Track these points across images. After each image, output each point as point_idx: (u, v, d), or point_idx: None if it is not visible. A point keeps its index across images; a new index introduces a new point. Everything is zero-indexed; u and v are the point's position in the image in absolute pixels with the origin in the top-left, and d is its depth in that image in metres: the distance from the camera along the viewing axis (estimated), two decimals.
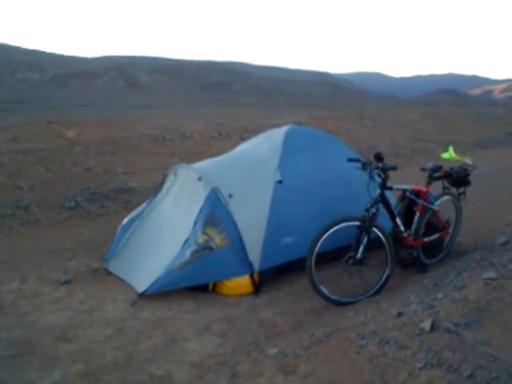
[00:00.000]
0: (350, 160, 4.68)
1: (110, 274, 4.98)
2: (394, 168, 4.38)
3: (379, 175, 4.41)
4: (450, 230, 5.24)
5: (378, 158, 4.40)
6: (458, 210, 5.32)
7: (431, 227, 4.94)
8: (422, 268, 4.87)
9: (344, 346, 3.19)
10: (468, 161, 5.24)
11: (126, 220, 5.38)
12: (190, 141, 12.01)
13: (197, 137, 12.34)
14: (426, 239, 4.86)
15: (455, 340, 2.89)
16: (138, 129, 12.11)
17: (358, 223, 4.25)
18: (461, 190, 5.20)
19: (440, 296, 3.43)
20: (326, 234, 4.15)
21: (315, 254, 4.14)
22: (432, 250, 5.05)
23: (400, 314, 3.34)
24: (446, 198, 5.12)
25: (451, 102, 40.40)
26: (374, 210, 4.28)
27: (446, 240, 5.28)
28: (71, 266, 5.22)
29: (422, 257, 4.88)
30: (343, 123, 17.15)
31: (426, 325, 3.06)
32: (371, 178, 4.38)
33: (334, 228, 4.17)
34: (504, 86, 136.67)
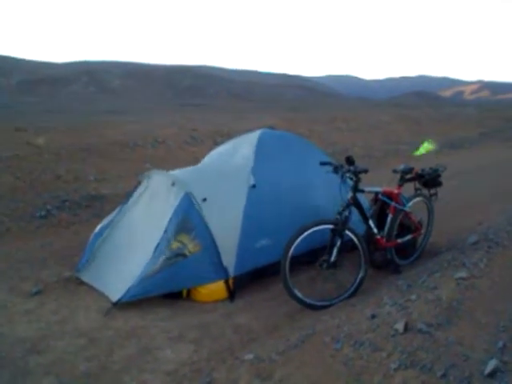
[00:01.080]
0: (322, 163, 4.70)
1: (82, 283, 4.87)
2: (365, 171, 4.42)
3: (351, 178, 4.44)
4: (423, 231, 5.31)
5: (349, 161, 4.43)
6: (430, 211, 5.40)
7: (404, 228, 5.00)
8: (396, 269, 4.92)
9: (319, 350, 3.20)
10: (432, 146, 5.35)
11: (98, 227, 5.30)
12: (162, 146, 11.90)
13: (170, 142, 12.24)
14: (399, 240, 4.91)
15: (428, 340, 2.92)
16: (110, 135, 11.92)
17: (331, 226, 4.27)
18: (432, 191, 5.27)
19: (413, 297, 3.47)
20: (300, 238, 4.15)
21: (289, 257, 4.14)
22: (405, 251, 5.11)
23: (374, 316, 3.37)
24: (417, 199, 5.19)
25: (423, 103, 41.06)
26: (346, 213, 4.30)
27: (419, 241, 5.34)
28: (42, 276, 5.09)
29: (396, 258, 4.93)
30: (315, 126, 17.26)
31: (400, 326, 3.09)
32: (343, 181, 4.40)
33: (308, 232, 4.18)
34: (474, 86, 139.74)
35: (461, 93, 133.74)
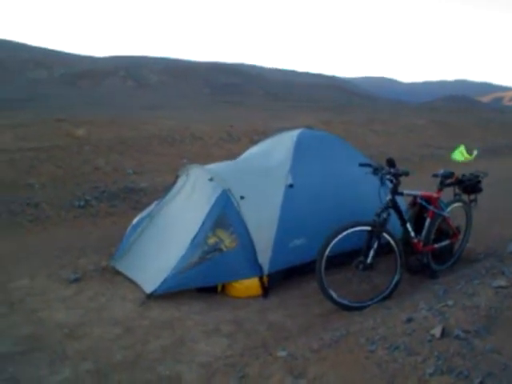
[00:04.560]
0: (361, 165, 4.68)
1: (118, 272, 5.00)
2: (406, 174, 4.37)
3: (391, 181, 4.41)
4: (460, 237, 5.23)
5: (390, 163, 4.40)
6: (469, 217, 5.31)
7: (441, 233, 4.93)
8: (433, 274, 4.86)
9: (353, 351, 3.19)
10: (474, 153, 5.24)
11: (135, 220, 5.42)
12: (199, 142, 12.03)
13: (206, 138, 12.36)
14: (436, 245, 4.85)
15: (465, 347, 2.88)
16: (148, 129, 12.12)
17: (368, 228, 4.25)
18: (472, 196, 5.18)
19: (450, 303, 3.42)
20: (337, 238, 4.14)
21: (325, 257, 4.13)
22: (442, 256, 5.03)
23: (410, 320, 3.33)
24: (456, 204, 5.11)
25: (460, 108, 40.21)
26: (384, 216, 4.27)
27: (456, 246, 5.26)
28: (80, 264, 5.25)
29: (432, 263, 4.87)
30: (352, 127, 17.13)
31: (437, 331, 3.06)
32: (382, 183, 4.37)
33: (345, 232, 4.17)
34: None
35: (500, 99, 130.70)
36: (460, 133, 19.94)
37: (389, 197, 4.38)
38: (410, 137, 17.48)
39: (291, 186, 4.94)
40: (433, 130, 19.70)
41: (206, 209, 4.64)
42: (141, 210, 6.20)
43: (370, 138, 16.26)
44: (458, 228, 5.11)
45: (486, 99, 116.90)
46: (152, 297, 4.35)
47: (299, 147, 5.30)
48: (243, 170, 5.24)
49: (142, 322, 4.05)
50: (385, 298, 4.32)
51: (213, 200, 4.66)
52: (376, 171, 4.46)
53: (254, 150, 5.92)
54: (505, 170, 12.00)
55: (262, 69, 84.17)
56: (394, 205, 4.42)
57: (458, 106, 44.64)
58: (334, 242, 4.14)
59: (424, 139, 17.32)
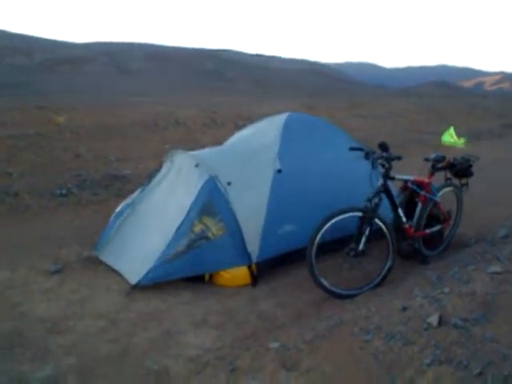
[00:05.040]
0: (352, 149, 4.55)
1: (101, 262, 4.82)
2: (399, 158, 4.25)
3: (383, 165, 4.28)
4: (451, 222, 5.15)
5: (383, 147, 4.28)
6: (460, 202, 5.23)
7: (433, 219, 4.84)
8: (424, 260, 4.78)
9: (348, 341, 3.09)
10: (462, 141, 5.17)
11: (119, 207, 5.24)
12: (183, 128, 11.80)
13: (190, 124, 12.13)
14: (428, 231, 4.77)
15: (464, 336, 2.79)
16: (130, 115, 11.84)
17: (359, 214, 4.13)
18: (463, 181, 5.10)
19: (446, 290, 3.33)
20: (328, 225, 4.03)
21: (316, 245, 4.02)
22: (433, 241, 4.95)
23: (405, 308, 3.24)
24: (448, 189, 5.02)
25: (443, 93, 40.38)
26: (376, 201, 4.16)
27: (447, 232, 5.18)
28: (62, 255, 5.05)
29: (423, 248, 4.79)
30: (336, 112, 17.02)
31: (433, 319, 2.96)
32: (374, 167, 4.26)
33: (336, 218, 4.05)
34: (496, 77, 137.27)
35: (481, 84, 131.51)
36: (446, 118, 19.96)
37: (380, 181, 4.27)
38: (396, 121, 17.43)
39: (279, 171, 4.80)
40: (419, 115, 19.70)
41: (191, 196, 4.48)
42: (124, 197, 6.03)
43: (354, 122, 16.14)
44: (449, 213, 5.03)
45: (467, 84, 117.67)
46: (137, 287, 4.18)
47: (287, 131, 5.15)
48: (230, 155, 5.08)
49: (127, 314, 3.90)
50: (377, 285, 4.23)
51: (199, 187, 4.50)
52: (367, 155, 4.33)
53: (240, 134, 5.76)
54: (491, 154, 11.97)
55: (245, 55, 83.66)
56: (385, 189, 4.31)
57: (442, 92, 44.83)
58: (324, 228, 4.03)
59: (411, 124, 17.28)
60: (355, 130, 14.85)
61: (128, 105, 13.78)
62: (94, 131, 10.18)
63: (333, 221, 4.04)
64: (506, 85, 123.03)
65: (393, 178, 4.44)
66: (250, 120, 12.52)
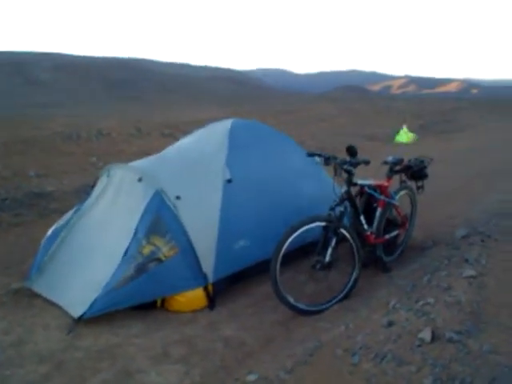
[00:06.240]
0: (310, 155, 4.28)
1: (35, 295, 4.20)
2: (367, 162, 4.00)
3: (348, 171, 4.03)
4: (407, 226, 5.04)
5: (351, 151, 4.04)
6: (414, 204, 5.13)
7: (390, 223, 4.69)
8: (385, 267, 4.61)
9: (334, 366, 2.80)
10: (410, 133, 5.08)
11: (50, 230, 4.62)
12: (107, 139, 11.06)
13: (114, 135, 11.42)
14: (387, 236, 4.61)
15: (461, 350, 2.59)
16: (48, 127, 10.95)
17: (324, 224, 3.87)
18: (419, 183, 5.00)
19: (431, 301, 3.13)
20: (292, 237, 3.73)
21: (280, 259, 3.71)
22: (390, 246, 4.80)
23: (391, 324, 3.00)
24: (403, 191, 4.90)
25: (356, 97, 41.63)
26: (341, 209, 3.92)
27: (402, 235, 5.05)
28: None
29: (383, 255, 4.62)
30: (259, 118, 16.83)
31: (426, 335, 2.74)
32: (338, 173, 4.01)
33: (301, 230, 3.75)
34: (402, 81, 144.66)
35: (388, 87, 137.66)
36: (366, 120, 20.46)
37: (344, 188, 4.03)
38: (320, 126, 17.55)
39: (229, 180, 4.46)
40: (342, 119, 20.02)
41: (136, 215, 4.02)
42: (50, 217, 5.40)
43: (281, 128, 16.01)
44: (405, 216, 4.91)
45: (376, 88, 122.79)
46: (81, 321, 3.65)
47: (233, 138, 4.83)
48: (175, 166, 4.63)
49: (74, 355, 3.36)
50: (343, 298, 3.99)
51: (144, 203, 4.05)
52: (328, 161, 4.07)
53: (181, 143, 5.34)
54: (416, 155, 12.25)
55: (155, 63, 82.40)
56: (349, 197, 4.08)
57: (355, 95, 46.28)
58: (288, 241, 3.72)
59: (336, 128, 17.46)
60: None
61: (43, 117, 12.85)
62: (10, 145, 9.27)
63: (297, 233, 3.74)
64: (411, 88, 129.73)
65: (355, 184, 4.22)
66: (177, 128, 12.06)
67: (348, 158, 4.03)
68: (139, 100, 31.78)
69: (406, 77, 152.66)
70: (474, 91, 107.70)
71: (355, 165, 3.99)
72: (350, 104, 27.36)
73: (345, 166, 3.98)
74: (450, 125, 21.49)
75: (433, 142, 15.46)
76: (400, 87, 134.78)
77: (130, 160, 5.17)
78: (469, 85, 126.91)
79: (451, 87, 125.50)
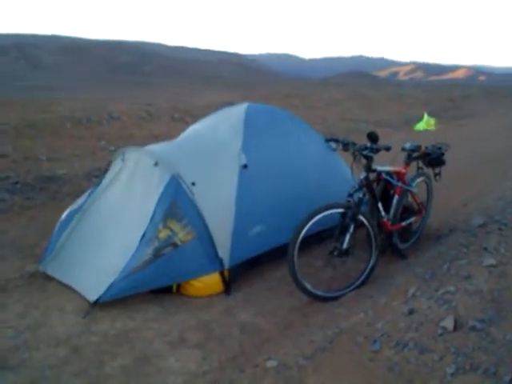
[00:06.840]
0: (328, 140, 4.24)
1: (50, 278, 4.19)
2: (388, 149, 3.95)
3: (368, 157, 3.98)
4: (424, 213, 5.00)
5: (372, 137, 3.98)
6: (430, 191, 5.08)
7: (407, 210, 4.65)
8: (401, 254, 4.58)
9: (354, 353, 2.79)
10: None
11: (64, 214, 4.60)
12: (118, 123, 10.98)
13: (125, 118, 11.33)
14: (404, 223, 4.57)
15: (485, 339, 2.57)
16: (57, 110, 10.88)
17: (342, 210, 3.83)
18: (436, 170, 4.94)
19: (452, 289, 3.10)
20: (310, 223, 3.69)
21: (298, 245, 3.68)
22: (405, 233, 4.77)
23: (412, 312, 2.98)
24: (421, 178, 4.85)
25: (362, 83, 41.38)
26: (360, 195, 3.88)
27: (418, 222, 5.01)
28: (0, 272, 4.37)
29: (399, 242, 4.59)
30: (271, 102, 16.72)
31: (449, 323, 2.72)
32: (357, 159, 3.96)
33: (319, 216, 3.72)
34: (408, 67, 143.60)
35: (396, 73, 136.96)
36: (377, 106, 20.30)
37: (363, 175, 3.98)
38: (330, 110, 17.42)
39: (245, 166, 4.42)
40: (351, 104, 19.85)
41: (153, 199, 3.98)
42: (62, 201, 5.38)
43: (292, 112, 15.94)
44: (422, 204, 4.87)
45: (382, 74, 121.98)
46: (97, 305, 3.65)
47: (249, 123, 4.77)
48: (190, 151, 4.59)
49: (90, 339, 3.35)
50: (360, 285, 3.97)
51: (161, 187, 4.02)
52: (346, 147, 4.03)
53: (196, 127, 5.28)
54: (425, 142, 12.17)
55: (161, 46, 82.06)
56: (368, 183, 4.03)
57: (361, 81, 46.00)
58: (307, 227, 3.69)
59: (345, 113, 17.34)
60: None
61: (51, 100, 12.76)
62: (20, 128, 9.23)
63: (315, 218, 3.71)
64: (418, 74, 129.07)
65: (374, 171, 4.17)
66: (187, 113, 11.98)
67: (368, 144, 3.97)
68: (146, 84, 31.69)
69: (413, 63, 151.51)
70: (482, 78, 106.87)
71: (376, 151, 3.94)
72: (357, 89, 27.18)
73: (365, 152, 3.93)
74: (459, 111, 21.38)
75: (443, 128, 15.36)
76: (407, 73, 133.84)
77: (142, 144, 5.15)
78: (476, 72, 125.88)
79: (458, 74, 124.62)
